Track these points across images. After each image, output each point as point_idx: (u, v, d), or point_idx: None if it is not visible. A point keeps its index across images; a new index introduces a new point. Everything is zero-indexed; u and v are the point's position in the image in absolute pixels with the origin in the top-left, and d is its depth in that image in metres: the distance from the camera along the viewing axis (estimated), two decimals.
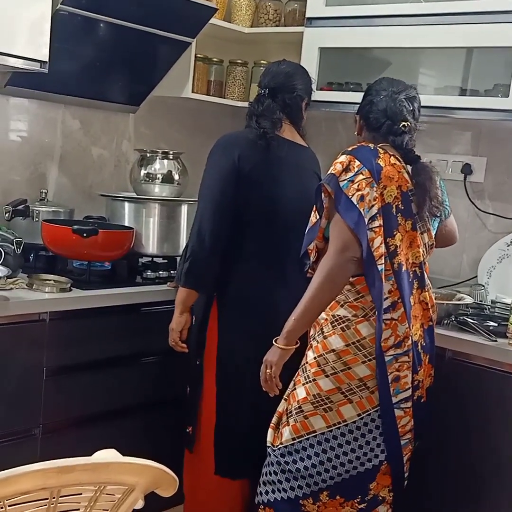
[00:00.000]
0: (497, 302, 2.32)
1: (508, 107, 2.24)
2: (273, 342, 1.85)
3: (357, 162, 1.82)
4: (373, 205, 1.79)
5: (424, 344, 1.90)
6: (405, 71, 2.70)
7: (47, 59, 2.15)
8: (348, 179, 1.81)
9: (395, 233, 1.82)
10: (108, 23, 2.40)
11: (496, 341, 2.04)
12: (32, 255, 2.39)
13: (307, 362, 1.88)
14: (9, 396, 2.01)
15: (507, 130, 2.58)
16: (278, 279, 2.06)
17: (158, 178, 2.62)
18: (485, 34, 2.29)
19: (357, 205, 1.78)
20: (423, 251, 1.90)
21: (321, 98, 2.52)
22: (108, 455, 1.21)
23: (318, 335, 1.87)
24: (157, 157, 2.64)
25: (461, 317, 2.17)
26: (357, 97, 2.59)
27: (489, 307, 2.32)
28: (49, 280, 2.17)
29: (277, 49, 2.91)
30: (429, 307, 1.91)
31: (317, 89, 2.47)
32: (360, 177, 1.80)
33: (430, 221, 1.91)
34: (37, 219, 2.39)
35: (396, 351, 1.82)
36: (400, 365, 1.83)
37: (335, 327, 1.84)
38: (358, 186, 1.79)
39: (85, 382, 2.20)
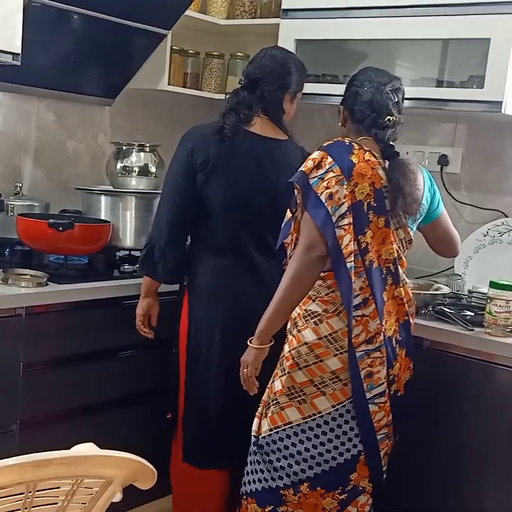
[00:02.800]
0: (474, 292, 2.34)
1: (483, 98, 2.25)
2: (248, 342, 1.88)
3: (329, 159, 1.82)
4: (342, 203, 1.79)
5: (400, 338, 1.90)
6: (382, 63, 2.67)
7: (19, 51, 2.11)
8: (318, 176, 1.81)
9: (366, 230, 1.82)
10: (82, 15, 2.37)
11: (473, 330, 2.06)
12: (7, 250, 2.37)
13: (283, 356, 1.91)
14: None
15: (483, 121, 2.60)
16: (245, 269, 2.08)
17: (135, 171, 2.60)
18: (460, 26, 2.30)
19: (325, 203, 1.79)
20: (399, 247, 1.89)
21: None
22: (85, 448, 1.20)
23: (293, 329, 1.90)
24: (134, 150, 2.62)
25: (439, 307, 2.18)
26: (334, 89, 2.61)
27: (466, 296, 2.34)
28: (25, 274, 2.15)
29: (253, 41, 2.90)
30: (405, 302, 1.90)
31: None
32: (331, 174, 1.80)
33: (406, 217, 1.89)
34: (12, 214, 2.37)
35: (367, 347, 1.83)
36: (372, 360, 1.83)
37: (308, 321, 1.87)
38: (327, 184, 1.80)
39: (63, 377, 2.18)
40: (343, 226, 1.79)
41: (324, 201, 1.79)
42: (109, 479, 1.09)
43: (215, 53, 3.00)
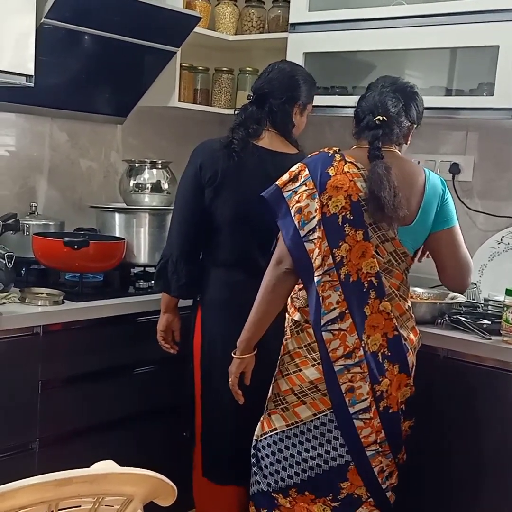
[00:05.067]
0: (490, 300, 2.32)
1: (493, 105, 2.25)
2: (231, 354, 1.93)
3: (306, 172, 1.82)
4: (313, 217, 1.78)
5: (389, 354, 1.83)
6: (390, 73, 2.67)
7: (32, 73, 2.14)
8: (293, 190, 1.83)
9: (340, 244, 1.79)
10: (93, 35, 2.40)
11: (490, 338, 2.05)
12: (23, 269, 2.39)
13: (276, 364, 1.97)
14: (4, 411, 2.00)
15: (493, 128, 2.59)
16: (256, 283, 2.07)
17: (148, 188, 2.62)
18: (468, 34, 2.30)
19: (294, 218, 1.80)
20: (390, 260, 1.82)
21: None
22: (105, 466, 1.20)
23: (284, 339, 1.94)
24: (146, 167, 2.64)
25: (455, 316, 2.17)
26: (343, 100, 2.62)
27: (482, 305, 2.33)
28: (42, 293, 2.17)
29: (262, 56, 2.93)
30: (392, 317, 1.82)
31: None
32: (303, 188, 1.80)
33: (394, 227, 1.81)
34: (27, 233, 2.39)
35: (346, 361, 1.80)
36: (352, 376, 1.80)
37: (292, 331, 1.89)
38: (298, 197, 1.81)
39: (81, 394, 2.19)
40: (313, 240, 1.78)
41: (292, 215, 1.81)
42: (129, 497, 1.10)
43: (224, 69, 3.03)
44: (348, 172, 1.80)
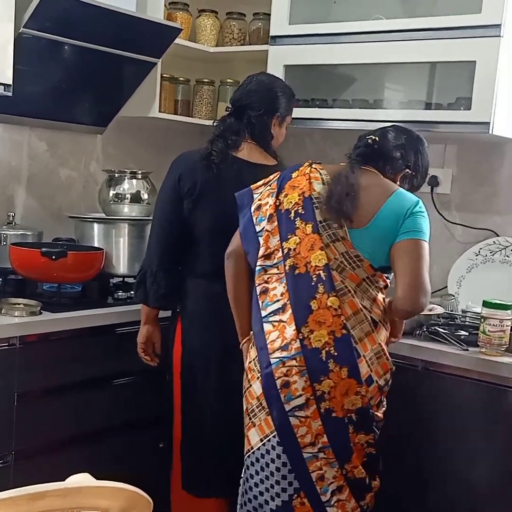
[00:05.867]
0: (468, 311, 2.34)
1: (470, 119, 2.28)
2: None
3: (276, 177, 1.93)
4: (267, 211, 1.86)
5: (336, 354, 1.72)
6: (370, 86, 2.74)
7: (11, 82, 2.13)
8: (260, 192, 1.93)
9: (289, 236, 1.82)
10: (73, 45, 2.39)
11: (467, 350, 2.07)
12: (0, 279, 2.37)
13: None
14: None
15: (471, 142, 2.62)
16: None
17: (127, 198, 2.61)
18: (446, 49, 2.33)
19: (253, 214, 1.89)
20: (342, 261, 1.76)
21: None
22: (81, 479, 1.19)
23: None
24: (126, 177, 2.63)
25: (433, 327, 2.18)
26: (323, 113, 2.64)
27: (460, 316, 2.34)
28: (19, 304, 2.15)
29: (243, 67, 2.93)
30: (340, 314, 1.73)
31: None
32: (267, 188, 1.91)
33: (346, 228, 1.77)
34: (5, 243, 2.37)
35: (282, 354, 1.73)
36: (288, 370, 1.72)
37: (251, 345, 1.87)
38: (260, 196, 1.91)
39: (58, 406, 2.17)
40: (268, 230, 1.85)
41: (252, 211, 1.90)
42: (104, 510, 1.08)
43: (205, 80, 3.03)
44: (308, 174, 1.87)
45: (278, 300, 1.79)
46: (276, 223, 1.84)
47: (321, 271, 1.76)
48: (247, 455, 1.83)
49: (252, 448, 1.81)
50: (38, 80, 2.44)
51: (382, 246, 1.78)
